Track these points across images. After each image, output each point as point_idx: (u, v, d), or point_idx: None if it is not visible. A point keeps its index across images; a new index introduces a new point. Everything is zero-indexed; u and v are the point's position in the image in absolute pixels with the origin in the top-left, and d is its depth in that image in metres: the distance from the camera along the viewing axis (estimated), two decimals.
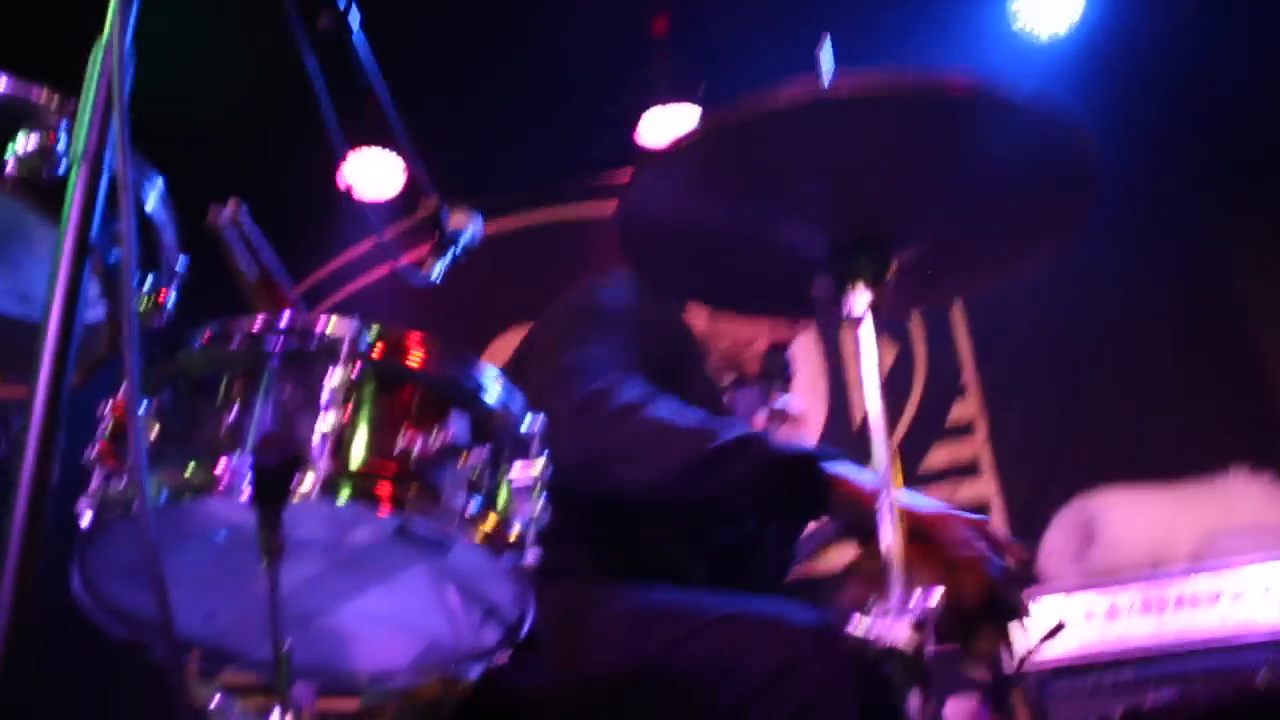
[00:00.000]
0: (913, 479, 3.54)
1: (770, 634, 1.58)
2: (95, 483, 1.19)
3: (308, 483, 1.08)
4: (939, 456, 3.55)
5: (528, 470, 1.24)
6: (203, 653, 1.37)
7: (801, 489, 1.66)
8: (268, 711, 1.18)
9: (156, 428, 1.19)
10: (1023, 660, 2.71)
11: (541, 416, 1.29)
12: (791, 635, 1.57)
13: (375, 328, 1.18)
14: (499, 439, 1.25)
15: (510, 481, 1.23)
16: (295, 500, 1.07)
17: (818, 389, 3.76)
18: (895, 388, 3.65)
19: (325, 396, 1.13)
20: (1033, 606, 2.60)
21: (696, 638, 1.60)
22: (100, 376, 1.24)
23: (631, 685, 1.62)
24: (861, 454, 3.44)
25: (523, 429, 1.27)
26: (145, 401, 1.22)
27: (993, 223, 1.34)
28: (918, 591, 1.16)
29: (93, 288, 1.29)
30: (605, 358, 1.85)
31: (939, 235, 1.32)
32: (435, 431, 1.16)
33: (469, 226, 2.08)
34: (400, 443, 1.14)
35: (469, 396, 1.22)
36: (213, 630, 1.38)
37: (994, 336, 3.60)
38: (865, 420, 3.59)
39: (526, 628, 1.28)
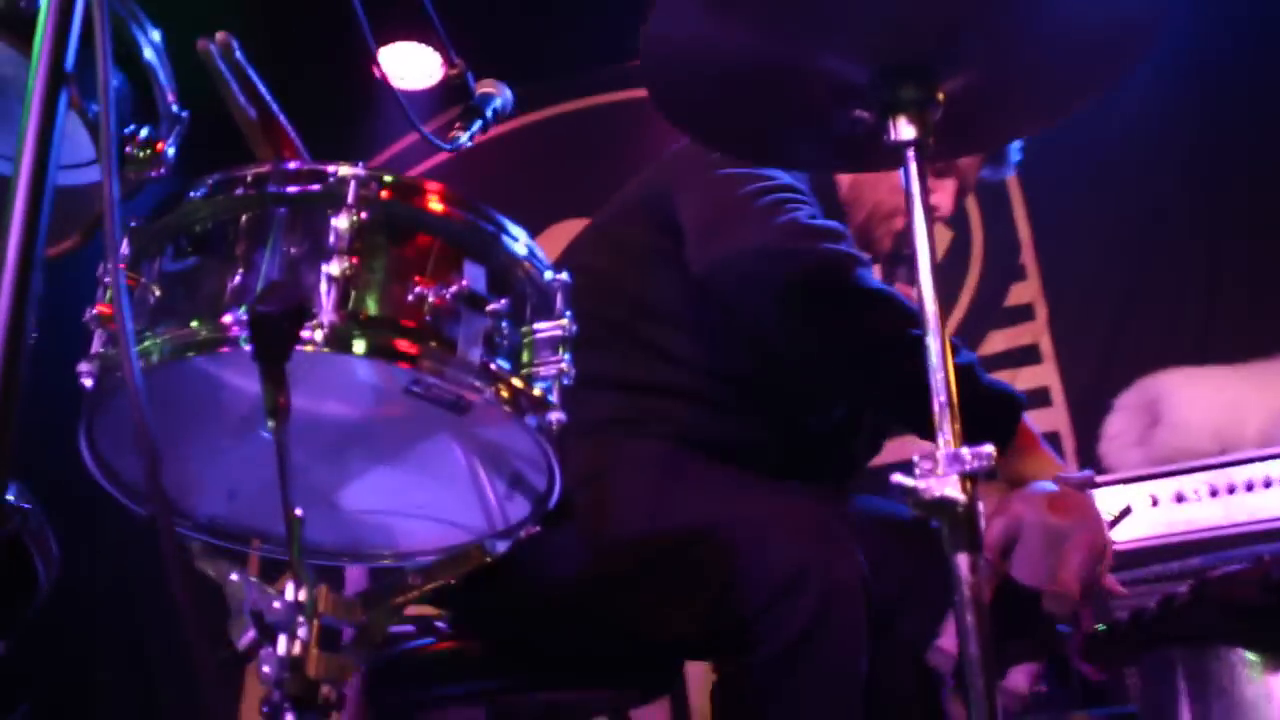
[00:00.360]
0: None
1: (788, 543, 1.51)
2: (96, 345, 1.13)
3: (313, 333, 1.01)
4: (997, 341, 3.43)
5: (551, 326, 1.17)
6: (227, 532, 1.32)
7: (990, 426, 1.56)
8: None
9: (157, 289, 1.13)
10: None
11: (565, 273, 1.21)
12: (808, 549, 1.50)
13: (386, 173, 1.11)
14: (520, 292, 1.17)
15: (533, 338, 1.16)
16: (299, 352, 1.01)
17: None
18: (951, 272, 3.52)
19: (331, 241, 1.05)
20: (1097, 494, 2.52)
21: (714, 534, 1.54)
22: (101, 237, 1.18)
23: (645, 569, 1.58)
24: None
25: (546, 282, 1.19)
26: (147, 261, 1.16)
27: (1046, 55, 1.22)
28: (966, 449, 1.08)
29: (91, 148, 1.23)
30: (794, 191, 1.71)
31: (988, 66, 1.20)
32: (451, 281, 1.08)
33: (497, 94, 1.99)
34: (413, 292, 1.06)
35: (487, 246, 1.14)
36: (236, 508, 1.34)
37: (1054, 216, 3.46)
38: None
39: (555, 498, 1.22)
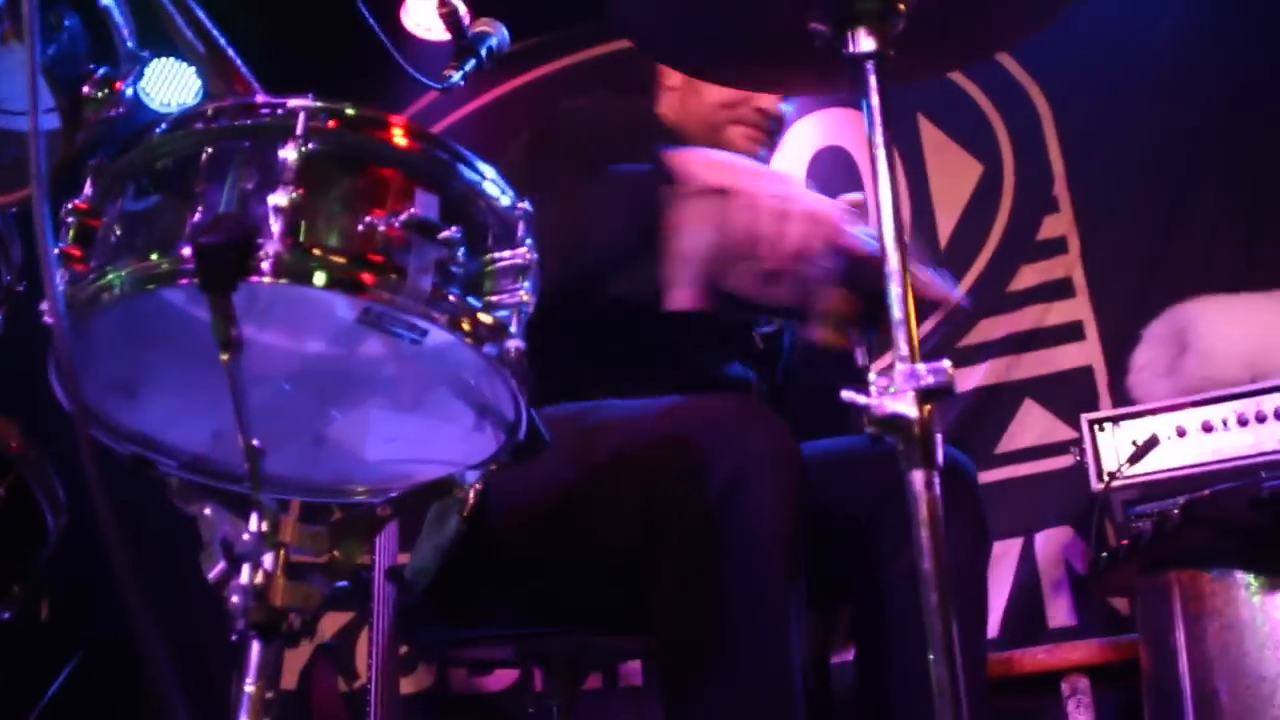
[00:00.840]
0: (1001, 300, 3.38)
1: (694, 433, 1.55)
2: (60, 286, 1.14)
3: (259, 262, 1.01)
4: (1028, 276, 3.37)
5: (512, 256, 1.16)
6: (213, 470, 1.33)
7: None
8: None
9: (118, 228, 1.14)
10: (1113, 476, 2.59)
11: (526, 203, 1.20)
12: (713, 434, 1.53)
13: (340, 105, 1.10)
14: (480, 222, 1.16)
15: (494, 267, 1.15)
16: (249, 284, 1.01)
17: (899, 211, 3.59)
18: (982, 205, 3.46)
19: (278, 172, 1.05)
20: (1124, 425, 2.47)
21: (637, 449, 1.59)
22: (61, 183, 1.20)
23: (581, 498, 1.62)
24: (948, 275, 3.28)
25: (507, 211, 1.18)
26: (110, 200, 1.17)
27: None
28: (922, 365, 1.06)
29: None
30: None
31: None
32: (402, 211, 1.08)
33: (493, 32, 1.98)
34: (364, 222, 1.06)
35: (443, 176, 1.13)
36: (220, 446, 1.35)
37: (1088, 146, 3.37)
38: (951, 239, 3.45)
39: (524, 428, 1.21)
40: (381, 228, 1.06)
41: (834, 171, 3.67)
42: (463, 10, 1.95)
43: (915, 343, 1.09)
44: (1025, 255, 3.38)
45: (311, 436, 1.30)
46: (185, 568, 1.33)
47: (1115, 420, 2.62)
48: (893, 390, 1.05)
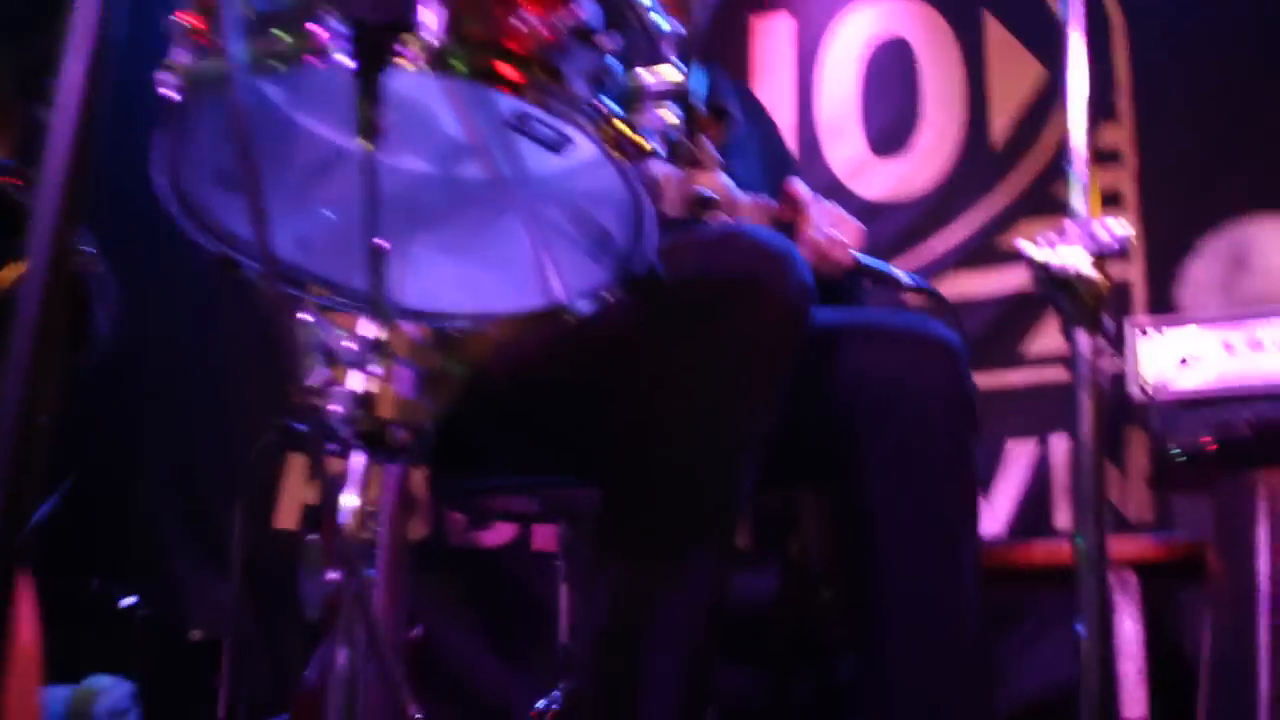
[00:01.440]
0: (1047, 203, 3.31)
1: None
2: (178, 57, 1.06)
3: (413, 48, 0.94)
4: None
5: (662, 75, 1.09)
6: (293, 278, 1.27)
7: None
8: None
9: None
10: (1151, 387, 2.56)
11: (677, 24, 1.13)
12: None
13: None
14: (633, 34, 1.09)
15: (643, 84, 1.08)
16: (399, 67, 0.94)
17: (953, 108, 3.50)
18: (1040, 111, 3.38)
19: None
20: (1168, 333, 2.42)
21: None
22: None
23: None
24: (996, 176, 3.22)
25: (659, 29, 1.11)
26: None
27: None
28: (1100, 225, 1.00)
29: None
30: None
31: None
32: (562, 11, 1.00)
33: None
34: (521, 18, 0.98)
35: None
36: (305, 256, 1.28)
37: (1157, 57, 3.28)
38: (1007, 143, 3.38)
39: (644, 260, 1.16)
40: (540, 27, 0.98)
41: (891, 61, 3.57)
42: None
43: (1096, 197, 1.03)
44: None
45: (418, 258, 1.24)
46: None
47: (1159, 327, 2.57)
48: (1063, 249, 1.00)
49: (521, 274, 1.24)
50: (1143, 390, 2.53)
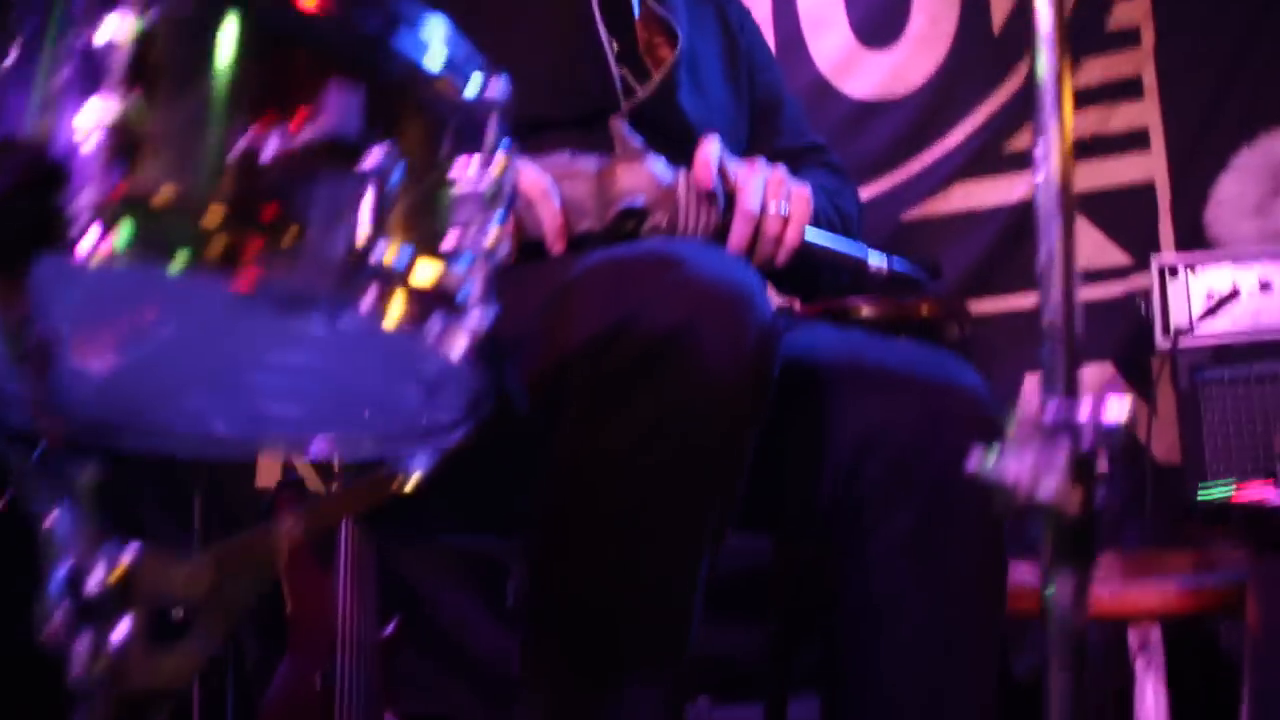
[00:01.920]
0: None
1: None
2: None
3: (69, 222, 0.63)
4: (1093, 70, 2.91)
5: (475, 175, 0.78)
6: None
7: None
8: None
9: None
10: (1181, 333, 2.26)
11: (504, 78, 0.81)
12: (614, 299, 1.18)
13: None
14: (431, 121, 0.77)
15: (445, 191, 0.77)
16: (46, 254, 0.63)
17: None
18: None
19: (100, 60, 0.66)
20: (1200, 272, 2.09)
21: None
22: None
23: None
24: (998, 68, 2.82)
25: (466, 101, 0.79)
26: None
27: None
28: (1084, 402, 0.70)
29: None
30: None
31: None
32: (302, 120, 0.69)
33: None
34: (236, 146, 0.67)
35: (367, 54, 0.74)
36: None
37: None
38: (1006, 24, 2.99)
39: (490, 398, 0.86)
40: (266, 152, 0.67)
41: None
42: None
43: (1070, 359, 0.72)
44: (1092, 45, 2.91)
45: (233, 386, 0.95)
46: None
47: (1190, 266, 2.26)
48: (1033, 449, 0.70)
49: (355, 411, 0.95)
50: (1170, 339, 2.23)
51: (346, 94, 0.70)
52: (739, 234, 1.44)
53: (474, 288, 0.77)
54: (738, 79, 1.78)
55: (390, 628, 2.67)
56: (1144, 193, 2.87)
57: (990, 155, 2.96)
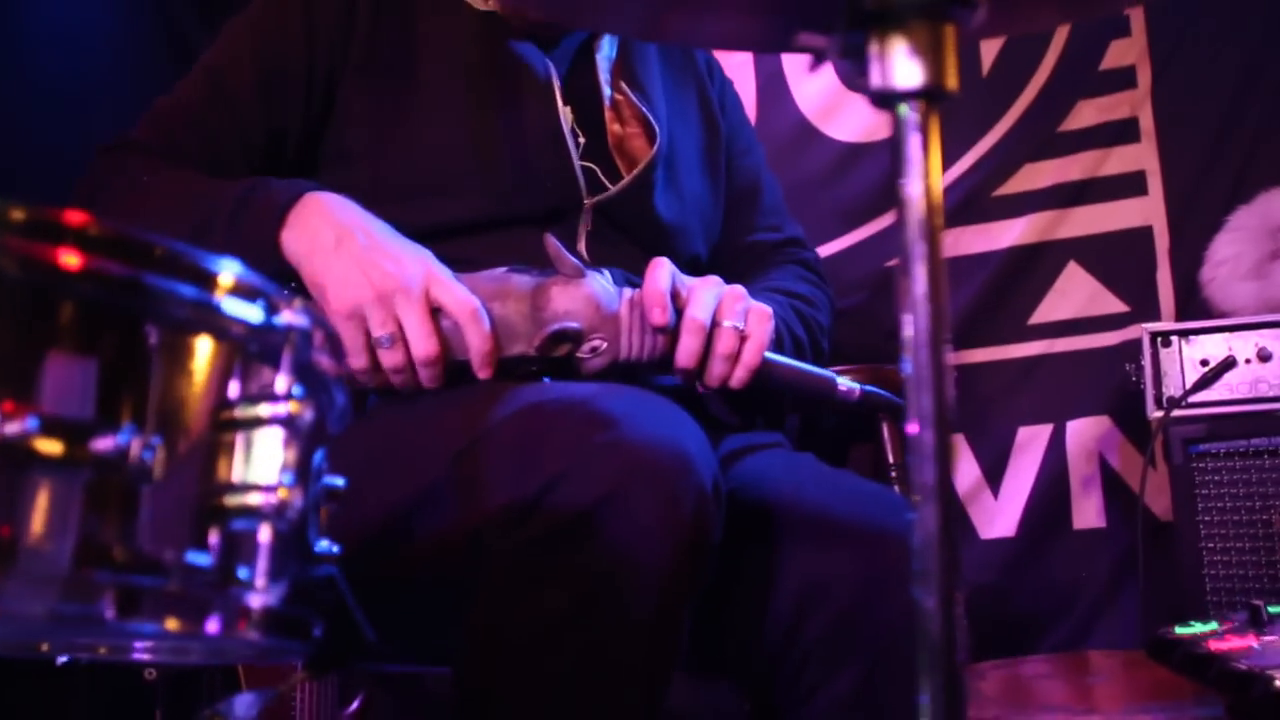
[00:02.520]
0: (1050, 141, 2.81)
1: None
2: None
3: None
4: (1086, 113, 2.78)
5: (263, 411, 0.67)
6: None
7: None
8: None
9: None
10: (1174, 403, 2.13)
11: (299, 307, 0.70)
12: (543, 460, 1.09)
13: None
14: (202, 369, 0.67)
15: (229, 437, 0.66)
16: None
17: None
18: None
19: None
20: (1195, 340, 1.97)
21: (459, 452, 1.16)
22: None
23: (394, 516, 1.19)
24: (987, 111, 2.69)
25: (255, 325, 0.68)
26: None
27: None
28: None
29: None
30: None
31: None
32: (16, 403, 0.58)
33: None
34: None
35: (122, 302, 0.63)
36: None
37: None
38: (995, 64, 2.85)
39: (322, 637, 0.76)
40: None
41: None
42: None
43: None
44: (1084, 88, 2.78)
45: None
46: None
47: (1184, 335, 2.13)
48: None
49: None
50: (1163, 410, 2.10)
51: (74, 363, 0.59)
52: (686, 347, 1.32)
53: (260, 560, 0.66)
54: (716, 167, 1.68)
55: (355, 704, 2.58)
56: (1141, 238, 2.74)
57: (979, 200, 2.84)
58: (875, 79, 0.58)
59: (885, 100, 0.59)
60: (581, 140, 1.50)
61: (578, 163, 1.48)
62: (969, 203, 2.84)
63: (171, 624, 0.62)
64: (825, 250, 2.90)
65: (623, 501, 1.04)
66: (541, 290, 1.30)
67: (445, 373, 1.28)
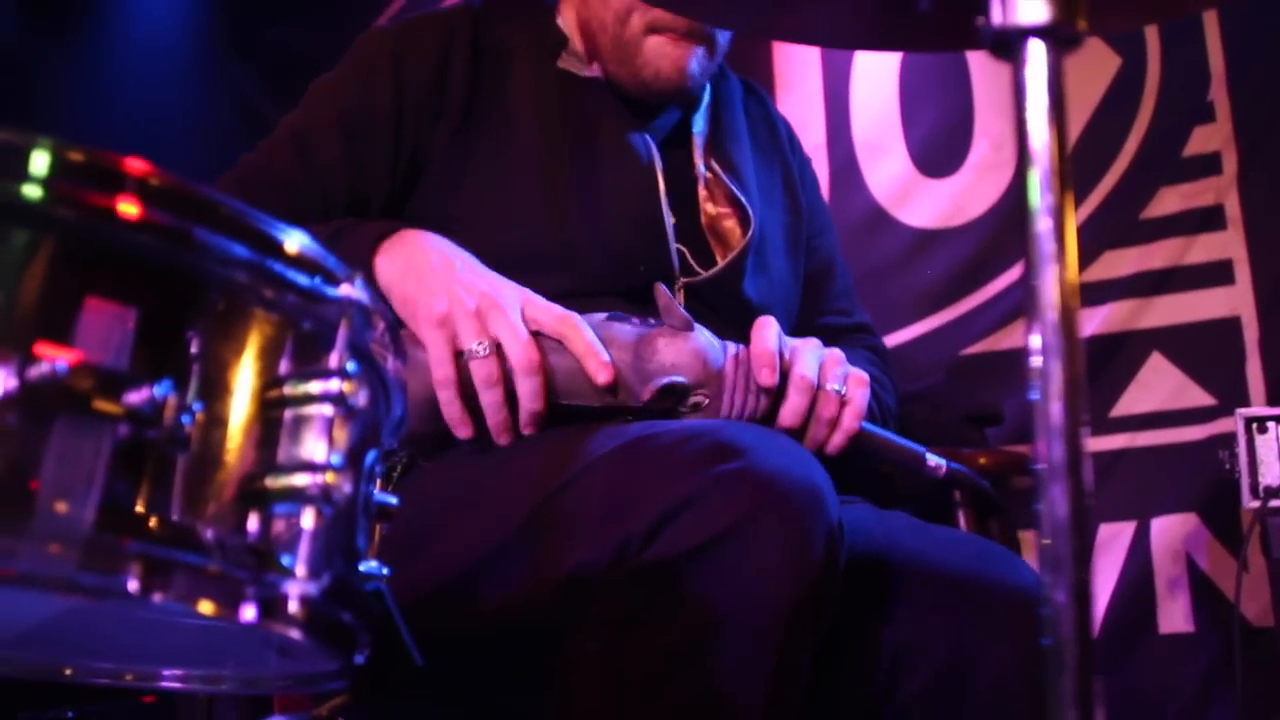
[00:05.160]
0: (1132, 228, 2.74)
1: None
2: None
3: None
4: (1169, 200, 2.72)
5: (316, 390, 0.61)
6: None
7: None
8: None
9: None
10: (1271, 493, 2.02)
11: (357, 280, 0.65)
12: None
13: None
14: (251, 335, 0.62)
15: (276, 415, 0.61)
16: None
17: (1010, 112, 2.92)
18: (1117, 109, 2.79)
19: None
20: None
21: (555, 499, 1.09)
22: None
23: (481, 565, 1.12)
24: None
25: (313, 304, 0.63)
26: None
27: None
28: None
29: None
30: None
31: None
32: (41, 348, 0.53)
33: None
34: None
35: (156, 253, 0.58)
36: None
37: (1260, 41, 2.67)
38: (1076, 148, 2.81)
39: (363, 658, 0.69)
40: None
41: (934, 61, 3.00)
42: None
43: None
44: (1167, 174, 2.72)
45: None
46: None
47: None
48: None
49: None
50: (1259, 499, 1.99)
51: (115, 309, 0.54)
52: (793, 406, 1.27)
53: (303, 545, 0.60)
54: (798, 247, 1.65)
55: None
56: (1229, 328, 2.64)
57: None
58: (995, 16, 0.53)
59: (1005, 42, 0.53)
60: (674, 221, 1.47)
61: (674, 246, 1.45)
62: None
63: (205, 606, 0.56)
64: (900, 336, 2.84)
65: (751, 532, 0.98)
66: (647, 341, 1.24)
67: (547, 405, 1.22)
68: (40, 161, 0.55)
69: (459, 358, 1.18)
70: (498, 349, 1.17)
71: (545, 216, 1.40)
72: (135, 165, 0.57)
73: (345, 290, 0.64)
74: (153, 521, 0.55)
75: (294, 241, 0.62)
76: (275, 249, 0.62)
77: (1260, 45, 2.65)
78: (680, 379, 1.22)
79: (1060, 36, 0.54)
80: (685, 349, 1.23)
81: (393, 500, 0.75)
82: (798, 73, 3.11)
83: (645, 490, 1.01)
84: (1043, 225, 0.54)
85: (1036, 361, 0.54)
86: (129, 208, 0.56)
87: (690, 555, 0.97)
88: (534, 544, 1.08)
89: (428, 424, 1.21)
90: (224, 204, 0.59)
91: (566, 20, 1.54)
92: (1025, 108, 0.56)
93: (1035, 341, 0.53)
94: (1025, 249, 0.56)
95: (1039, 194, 0.54)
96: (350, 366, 0.63)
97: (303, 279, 0.63)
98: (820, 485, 1.03)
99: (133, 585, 0.53)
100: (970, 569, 1.22)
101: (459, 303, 1.18)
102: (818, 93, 3.10)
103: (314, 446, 0.61)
